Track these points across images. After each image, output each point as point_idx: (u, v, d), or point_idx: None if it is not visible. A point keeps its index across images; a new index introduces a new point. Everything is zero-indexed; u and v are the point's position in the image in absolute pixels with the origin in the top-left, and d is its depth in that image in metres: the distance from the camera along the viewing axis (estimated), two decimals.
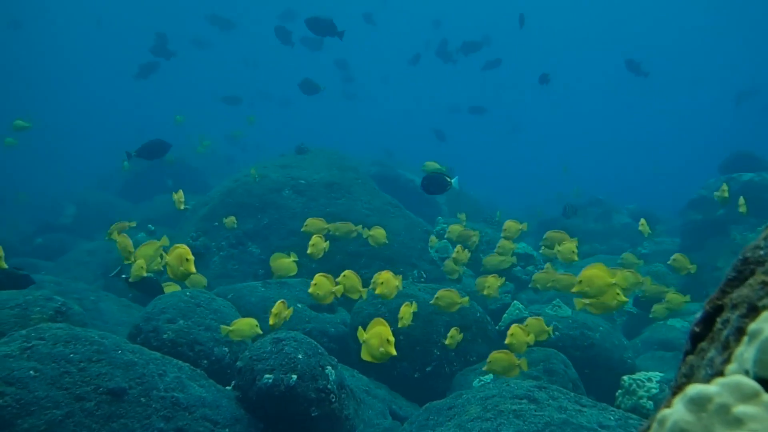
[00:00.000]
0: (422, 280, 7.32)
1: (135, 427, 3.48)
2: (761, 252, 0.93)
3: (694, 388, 0.67)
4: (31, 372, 3.33)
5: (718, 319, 0.96)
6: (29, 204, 15.47)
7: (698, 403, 0.66)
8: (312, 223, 6.19)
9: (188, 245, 7.33)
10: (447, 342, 4.77)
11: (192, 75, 31.40)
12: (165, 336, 4.63)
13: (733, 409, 0.63)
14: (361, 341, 3.59)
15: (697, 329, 1.01)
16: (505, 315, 6.73)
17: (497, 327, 6.67)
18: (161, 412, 3.61)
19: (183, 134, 17.78)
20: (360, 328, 3.73)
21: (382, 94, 38.20)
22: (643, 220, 6.95)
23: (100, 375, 3.50)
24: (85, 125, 26.85)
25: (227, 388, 4.19)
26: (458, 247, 6.47)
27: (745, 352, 0.71)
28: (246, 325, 4.29)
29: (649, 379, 5.02)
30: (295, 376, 3.94)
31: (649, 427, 0.74)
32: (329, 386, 4.00)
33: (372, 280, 4.43)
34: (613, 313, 7.83)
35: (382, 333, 3.44)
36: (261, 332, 4.30)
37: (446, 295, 5.16)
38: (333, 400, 4.09)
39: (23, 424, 3.19)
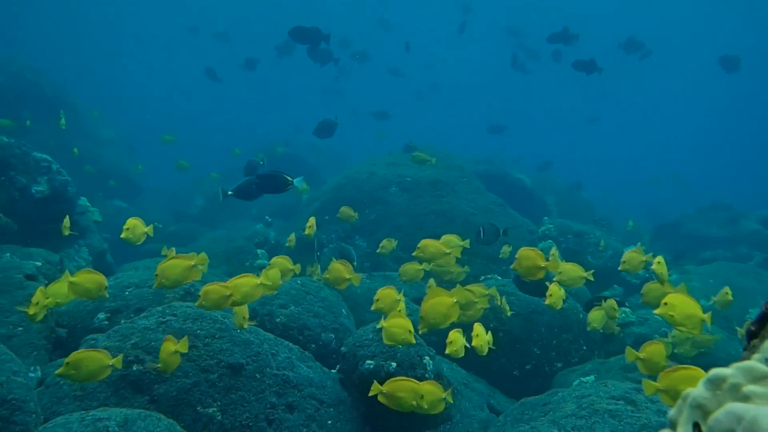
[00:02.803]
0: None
1: (251, 400, 3.86)
2: None
3: (713, 371, 0.77)
4: None
5: None
6: (165, 194, 17.00)
7: (715, 383, 0.76)
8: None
9: (301, 237, 7.78)
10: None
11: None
12: (278, 320, 5.03)
13: (743, 388, 0.73)
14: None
15: (752, 328, 1.08)
16: None
17: (602, 330, 6.54)
18: (273, 388, 3.96)
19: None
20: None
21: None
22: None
23: (221, 350, 3.91)
24: (213, 125, 29.04)
25: (332, 371, 4.50)
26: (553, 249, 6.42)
27: (766, 343, 0.80)
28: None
29: None
30: (394, 364, 4.16)
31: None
32: (427, 375, 4.17)
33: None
34: (734, 323, 7.39)
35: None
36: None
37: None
38: None
39: (159, 389, 3.65)
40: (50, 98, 13.61)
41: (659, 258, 4.06)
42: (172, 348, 3.33)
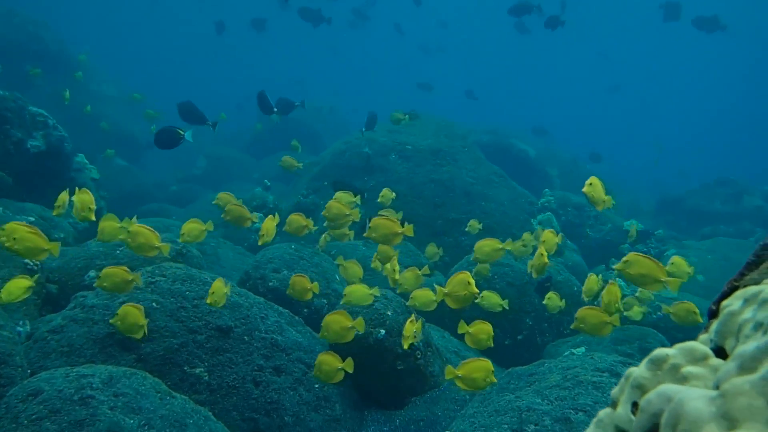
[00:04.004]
0: None
1: (238, 362, 3.88)
2: None
3: (655, 351, 0.74)
4: (154, 304, 3.80)
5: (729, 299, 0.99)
6: (168, 154, 16.93)
7: (656, 363, 0.73)
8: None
9: (299, 202, 7.74)
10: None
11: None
12: (270, 284, 5.04)
13: (683, 369, 0.71)
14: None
15: (713, 307, 1.05)
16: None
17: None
18: (261, 351, 3.99)
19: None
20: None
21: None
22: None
23: (210, 312, 3.92)
24: (219, 87, 28.79)
25: None
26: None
27: (713, 323, 0.77)
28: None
29: None
30: (383, 331, 4.18)
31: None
32: (416, 343, 4.18)
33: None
34: None
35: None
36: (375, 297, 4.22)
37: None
38: (419, 356, 4.29)
39: (146, 348, 3.67)
40: (53, 52, 13.47)
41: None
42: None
